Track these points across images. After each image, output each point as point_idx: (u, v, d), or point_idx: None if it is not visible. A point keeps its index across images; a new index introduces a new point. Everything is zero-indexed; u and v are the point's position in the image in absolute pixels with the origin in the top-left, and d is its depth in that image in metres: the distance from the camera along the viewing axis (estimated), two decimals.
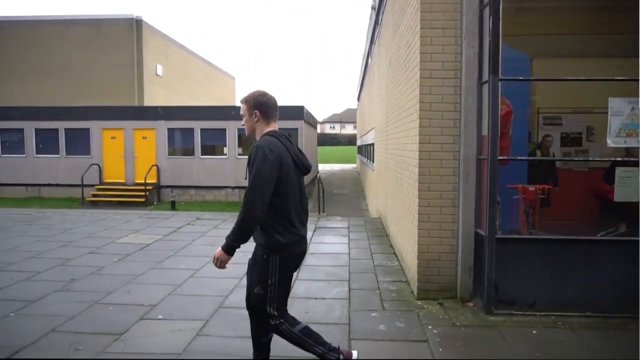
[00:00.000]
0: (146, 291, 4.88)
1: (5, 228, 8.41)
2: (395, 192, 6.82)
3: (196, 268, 5.78)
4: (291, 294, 4.78)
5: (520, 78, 4.82)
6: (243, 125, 2.91)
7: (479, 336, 3.76)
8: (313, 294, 4.84)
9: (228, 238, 2.62)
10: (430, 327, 3.92)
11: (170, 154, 16.41)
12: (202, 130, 16.13)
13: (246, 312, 4.25)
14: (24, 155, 17.22)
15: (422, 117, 4.48)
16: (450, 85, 4.39)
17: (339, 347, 2.98)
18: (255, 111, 2.82)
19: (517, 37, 5.14)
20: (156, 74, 24.74)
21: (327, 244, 7.25)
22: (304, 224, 2.86)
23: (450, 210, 4.48)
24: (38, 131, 17.12)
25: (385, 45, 8.73)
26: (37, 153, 17.18)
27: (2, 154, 17.32)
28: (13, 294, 4.76)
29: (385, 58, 8.78)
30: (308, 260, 6.22)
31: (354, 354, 3.02)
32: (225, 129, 15.89)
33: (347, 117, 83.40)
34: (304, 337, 2.88)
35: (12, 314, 4.22)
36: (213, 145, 16.58)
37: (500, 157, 4.12)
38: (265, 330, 3.00)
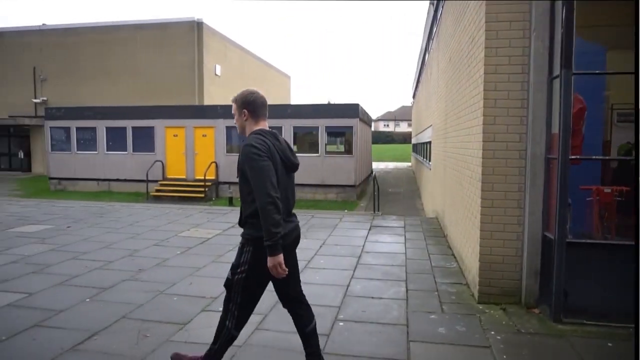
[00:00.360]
0: (207, 284, 5.06)
1: (81, 220, 9.04)
2: (454, 192, 6.63)
3: None
4: (348, 292, 4.81)
5: (597, 72, 4.50)
6: (235, 123, 2.94)
7: (546, 345, 3.57)
8: (370, 293, 4.80)
9: (265, 242, 2.56)
10: (492, 332, 3.77)
11: (228, 151, 16.93)
12: None
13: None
14: (96, 152, 18.44)
15: (486, 115, 4.31)
16: (517, 81, 4.19)
17: None
18: (244, 110, 2.85)
19: (591, 28, 4.82)
20: (215, 74, 25.58)
21: (383, 243, 7.17)
22: (288, 221, 2.80)
23: (516, 211, 4.28)
24: (108, 129, 18.26)
25: (445, 40, 8.49)
26: (107, 150, 18.32)
27: (77, 150, 18.65)
28: (88, 281, 5.10)
29: (444, 54, 8.54)
30: (364, 258, 6.19)
31: None
32: (281, 127, 16.14)
33: (402, 114, 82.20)
34: (224, 343, 2.96)
35: (87, 300, 4.52)
36: None
37: (573, 157, 3.88)
38: (305, 321, 2.98)
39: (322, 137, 15.98)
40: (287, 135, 16.13)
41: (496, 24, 4.21)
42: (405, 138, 61.60)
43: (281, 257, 2.57)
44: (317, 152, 16.03)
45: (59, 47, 25.72)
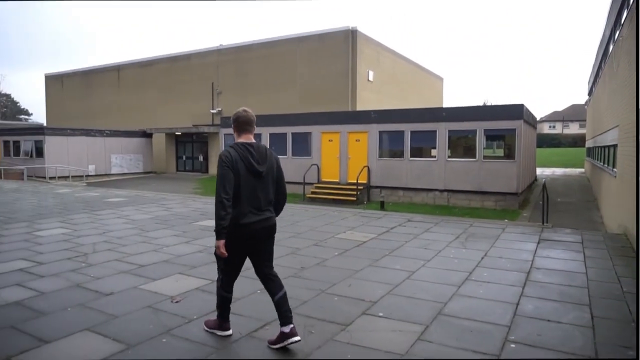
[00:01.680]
0: (365, 287, 5.10)
1: None
2: None
3: (411, 270, 5.77)
4: (518, 311, 4.37)
5: None
6: None
7: None
8: (544, 315, 4.28)
9: (215, 227, 3.36)
10: None
11: (380, 155, 17.06)
12: (412, 132, 16.26)
13: (469, 323, 4.08)
14: None
15: None
16: None
17: (227, 326, 3.71)
18: (233, 125, 3.60)
19: None
20: (368, 80, 26.08)
21: (557, 259, 6.36)
22: (253, 211, 3.46)
23: None
24: (271, 135, 19.98)
25: None
26: None
27: None
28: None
29: None
30: (534, 275, 5.56)
31: (230, 332, 3.70)
32: (435, 131, 15.67)
33: (571, 114, 73.08)
34: (220, 299, 3.70)
35: (258, 291, 4.92)
36: (421, 147, 16.55)
37: None
38: (274, 291, 3.66)
39: (480, 141, 15.00)
40: (442, 139, 15.57)
41: None
42: (575, 141, 54.55)
43: (222, 242, 3.32)
44: (473, 156, 15.12)
45: (232, 63, 29.15)
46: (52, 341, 3.66)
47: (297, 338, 3.48)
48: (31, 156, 26.52)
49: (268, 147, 3.80)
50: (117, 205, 12.01)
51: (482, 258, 6.40)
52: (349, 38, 24.77)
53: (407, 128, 16.35)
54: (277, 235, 7.75)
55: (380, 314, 4.28)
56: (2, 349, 3.52)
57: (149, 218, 9.82)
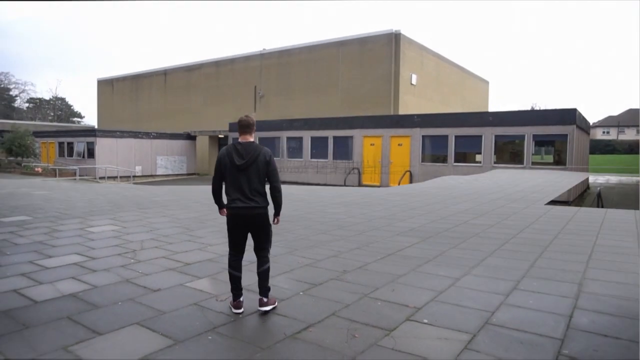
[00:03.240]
0: (409, 292, 5.00)
1: (290, 222, 10.06)
2: None
3: (456, 277, 5.62)
4: (571, 324, 4.16)
5: None
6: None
7: None
8: (601, 330, 4.05)
9: None
10: None
11: (423, 160, 16.79)
12: (456, 137, 15.90)
13: (518, 334, 3.93)
14: (301, 159, 20.51)
15: None
16: None
17: (240, 300, 4.31)
18: (237, 127, 4.27)
19: None
20: (411, 84, 25.77)
21: (613, 271, 6.02)
22: (241, 199, 4.15)
23: None
24: (313, 139, 20.10)
25: None
26: (311, 157, 20.18)
27: (287, 157, 21.03)
28: (301, 276, 5.58)
29: None
30: (589, 286, 5.28)
31: (240, 310, 4.26)
32: (480, 136, 15.26)
33: (628, 119, 69.37)
34: (230, 276, 4.33)
35: (301, 293, 4.94)
36: (465, 152, 16.17)
37: None
38: (259, 265, 4.36)
39: (529, 147, 14.47)
40: (487, 145, 15.14)
41: None
42: (632, 147, 51.72)
43: (220, 210, 4.45)
44: (521, 162, 14.60)
45: (274, 68, 29.59)
46: (105, 333, 3.80)
47: (263, 308, 4.25)
48: (83, 157, 27.92)
49: (264, 147, 4.30)
50: (162, 204, 12.41)
51: (531, 267, 6.15)
52: (392, 41, 24.59)
53: (451, 133, 16.00)
54: (319, 238, 7.92)
55: (425, 321, 4.19)
56: (60, 338, 3.69)
57: (193, 217, 10.07)
